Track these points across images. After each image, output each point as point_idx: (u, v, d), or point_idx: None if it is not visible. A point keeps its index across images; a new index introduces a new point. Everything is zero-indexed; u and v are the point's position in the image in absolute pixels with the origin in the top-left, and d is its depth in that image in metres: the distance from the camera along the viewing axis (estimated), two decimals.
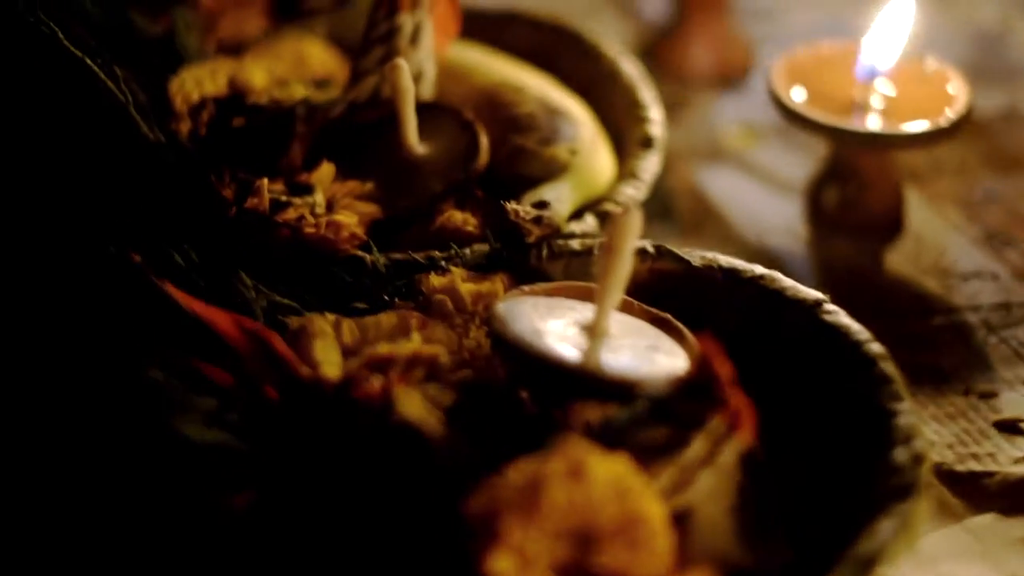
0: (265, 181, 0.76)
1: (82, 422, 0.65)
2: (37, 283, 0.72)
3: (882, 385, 0.66)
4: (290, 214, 0.75)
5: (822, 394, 0.68)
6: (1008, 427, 0.78)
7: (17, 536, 0.63)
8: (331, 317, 0.70)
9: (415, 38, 0.83)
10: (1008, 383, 0.81)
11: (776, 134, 1.03)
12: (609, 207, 0.79)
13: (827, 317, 0.70)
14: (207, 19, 0.93)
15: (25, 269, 0.73)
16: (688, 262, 0.73)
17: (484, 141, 0.80)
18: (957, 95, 0.88)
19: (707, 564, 0.59)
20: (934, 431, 0.78)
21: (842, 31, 1.00)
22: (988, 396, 0.80)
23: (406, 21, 0.83)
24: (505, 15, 0.97)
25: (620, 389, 0.63)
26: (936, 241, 0.93)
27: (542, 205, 0.76)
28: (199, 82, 0.84)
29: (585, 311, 0.68)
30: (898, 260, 0.91)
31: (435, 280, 0.72)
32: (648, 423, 0.62)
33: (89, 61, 0.77)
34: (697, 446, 0.61)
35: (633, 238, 0.65)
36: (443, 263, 0.74)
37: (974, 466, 0.76)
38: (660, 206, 0.94)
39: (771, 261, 0.86)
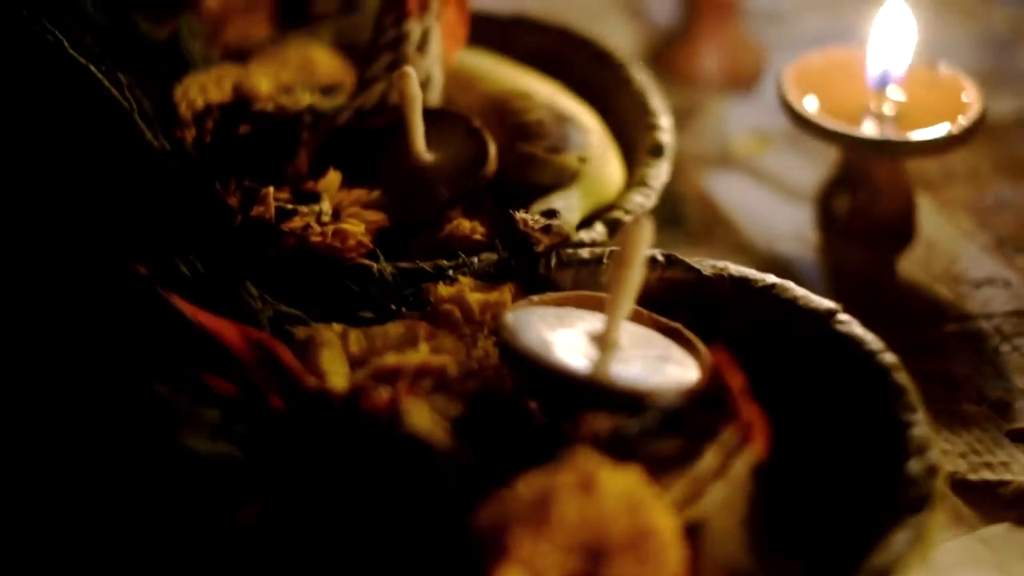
0: (271, 189, 0.75)
1: (88, 435, 0.65)
2: (43, 294, 0.72)
3: (896, 396, 0.65)
4: (296, 222, 0.74)
5: (835, 405, 0.68)
6: (1021, 436, 0.78)
7: (25, 547, 0.63)
8: (338, 327, 0.69)
9: (423, 44, 0.83)
10: (1021, 391, 0.81)
11: (786, 141, 1.03)
12: (619, 215, 0.79)
13: (840, 327, 0.69)
14: (212, 25, 0.93)
15: (30, 280, 0.73)
16: (699, 271, 0.73)
17: (492, 148, 0.79)
18: (969, 102, 0.88)
19: None
20: (946, 440, 0.77)
21: (853, 36, 0.99)
22: (1001, 404, 0.80)
23: (414, 27, 0.82)
24: (513, 20, 0.96)
25: (630, 400, 0.63)
26: (948, 248, 0.92)
27: (551, 214, 0.76)
28: (204, 89, 0.84)
29: (595, 321, 0.68)
30: (909, 267, 0.91)
31: (443, 289, 0.72)
32: (659, 435, 0.61)
33: (93, 68, 0.77)
34: (709, 458, 0.61)
35: (645, 248, 0.64)
36: (451, 272, 0.73)
37: (987, 475, 0.75)
38: (669, 212, 0.93)
39: (781, 268, 0.86)
